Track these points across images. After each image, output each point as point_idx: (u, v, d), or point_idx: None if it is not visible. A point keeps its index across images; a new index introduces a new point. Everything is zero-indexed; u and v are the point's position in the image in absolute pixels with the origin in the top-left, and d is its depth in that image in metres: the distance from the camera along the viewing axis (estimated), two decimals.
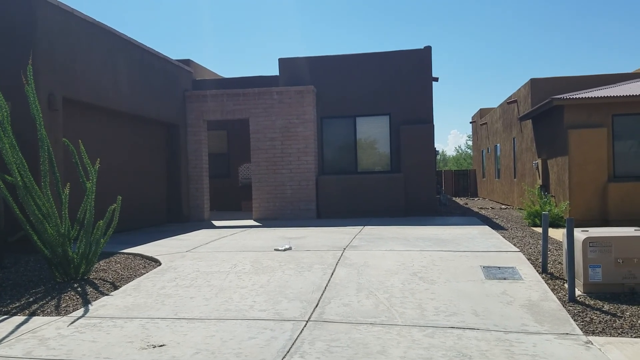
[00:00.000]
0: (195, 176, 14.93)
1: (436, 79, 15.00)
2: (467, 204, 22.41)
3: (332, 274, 6.92)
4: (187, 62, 16.25)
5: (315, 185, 14.62)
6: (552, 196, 13.83)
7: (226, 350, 4.38)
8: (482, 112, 28.12)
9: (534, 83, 16.58)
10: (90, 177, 7.15)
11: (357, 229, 11.39)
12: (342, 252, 8.32)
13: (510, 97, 19.76)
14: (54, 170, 7.19)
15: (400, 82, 14.86)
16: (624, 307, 5.40)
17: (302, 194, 14.58)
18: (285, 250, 8.63)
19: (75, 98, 10.30)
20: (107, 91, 11.29)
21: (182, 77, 14.93)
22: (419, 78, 14.78)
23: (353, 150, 15.18)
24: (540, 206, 12.63)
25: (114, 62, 11.62)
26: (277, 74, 15.52)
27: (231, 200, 18.21)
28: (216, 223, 13.80)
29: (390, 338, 4.62)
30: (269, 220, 14.32)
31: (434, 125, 14.73)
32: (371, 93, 14.97)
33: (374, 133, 15.18)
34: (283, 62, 15.39)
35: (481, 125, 27.29)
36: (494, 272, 6.77)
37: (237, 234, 11.08)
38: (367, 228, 11.51)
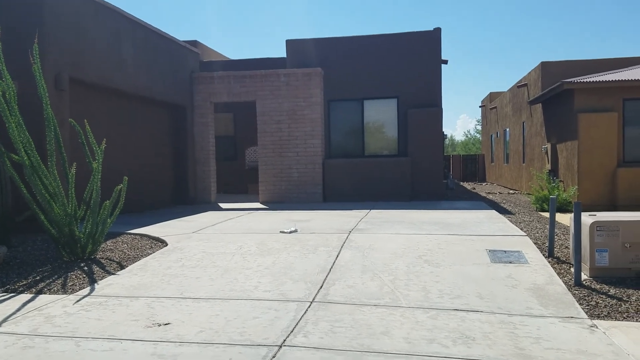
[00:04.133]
0: (202, 158, 14.94)
1: (445, 62, 14.82)
2: (474, 188, 22.32)
3: (337, 256, 6.93)
4: (194, 43, 16.17)
5: (322, 169, 14.58)
6: (560, 181, 13.72)
7: (230, 329, 4.40)
8: (492, 96, 27.86)
9: (545, 66, 16.36)
10: (96, 157, 7.16)
11: (363, 212, 11.38)
12: (347, 235, 8.32)
13: (520, 81, 19.54)
14: (61, 150, 7.20)
15: (409, 64, 14.70)
16: (630, 291, 5.37)
17: (308, 177, 14.56)
18: (290, 232, 8.64)
19: (82, 78, 10.28)
20: (113, 72, 11.26)
21: (189, 59, 14.86)
22: (428, 60, 14.61)
23: (360, 133, 15.09)
24: (548, 191, 12.54)
25: (121, 42, 11.57)
26: (285, 55, 15.41)
27: (238, 183, 18.23)
28: (223, 205, 13.84)
29: (394, 319, 4.63)
30: (275, 203, 14.34)
31: (442, 109, 14.60)
32: (379, 76, 14.83)
33: (381, 116, 15.07)
34: (290, 44, 15.27)
35: (491, 109, 27.05)
36: (499, 256, 6.74)
37: (243, 217, 11.10)
38: (374, 212, 11.49)
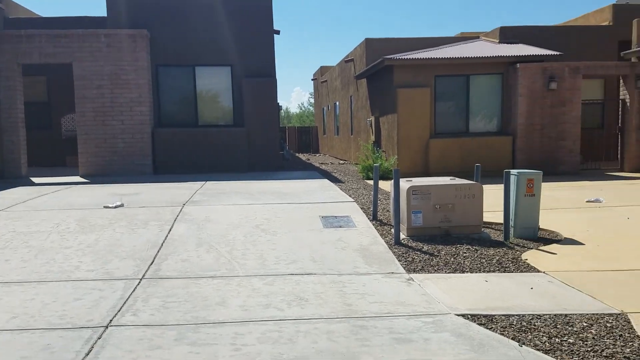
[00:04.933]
0: (9, 127, 13.08)
1: (277, 32, 14.90)
2: (309, 159, 23.17)
3: (170, 230, 6.66)
4: None
5: (151, 139, 13.79)
6: (383, 151, 14.87)
7: (48, 313, 3.97)
8: (323, 70, 28.89)
9: (369, 43, 17.38)
10: None
11: (198, 184, 11.08)
12: (181, 207, 8.04)
13: (347, 56, 20.53)
14: None
15: (241, 32, 14.46)
16: (440, 247, 6.06)
17: (136, 147, 13.67)
18: (116, 207, 8.06)
19: None
20: None
21: None
22: (260, 29, 14.52)
23: (193, 102, 14.54)
24: (373, 160, 13.51)
25: None
26: (105, 14, 14.08)
27: (54, 155, 16.40)
28: (36, 180, 12.36)
29: (231, 289, 4.61)
30: (98, 176, 13.23)
31: (276, 80, 14.72)
32: (211, 42, 14.35)
33: (215, 85, 14.68)
34: (111, 2, 13.96)
35: (322, 83, 28.10)
36: (331, 221, 7.10)
37: (60, 191, 10.05)
38: (209, 183, 11.26)
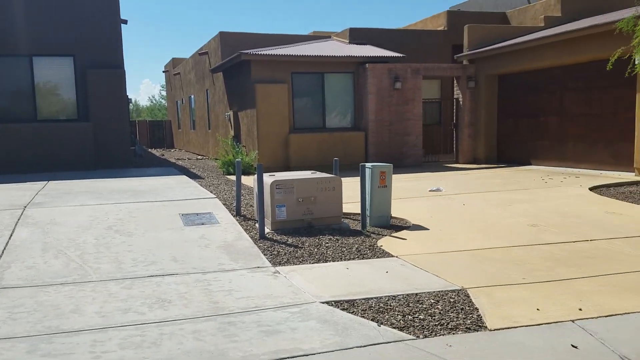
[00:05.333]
0: None
1: (125, 21, 14.10)
2: (163, 155, 22.26)
3: (11, 235, 6.05)
4: None
5: None
6: (243, 146, 14.84)
7: None
8: (175, 62, 27.84)
9: (223, 36, 17.18)
10: None
11: (39, 184, 10.09)
12: (22, 210, 7.30)
13: (201, 48, 20.09)
14: None
15: (85, 21, 13.41)
16: (304, 239, 6.26)
17: None
18: None
19: None
20: None
21: None
22: (106, 18, 13.60)
23: (31, 95, 13.15)
24: (233, 155, 13.43)
25: None
26: None
27: None
28: None
29: (85, 295, 4.32)
30: None
31: (125, 71, 13.90)
32: (51, 31, 13.09)
33: (56, 76, 13.42)
34: None
35: (174, 75, 27.09)
36: (192, 219, 6.94)
37: None
38: (53, 183, 10.31)
